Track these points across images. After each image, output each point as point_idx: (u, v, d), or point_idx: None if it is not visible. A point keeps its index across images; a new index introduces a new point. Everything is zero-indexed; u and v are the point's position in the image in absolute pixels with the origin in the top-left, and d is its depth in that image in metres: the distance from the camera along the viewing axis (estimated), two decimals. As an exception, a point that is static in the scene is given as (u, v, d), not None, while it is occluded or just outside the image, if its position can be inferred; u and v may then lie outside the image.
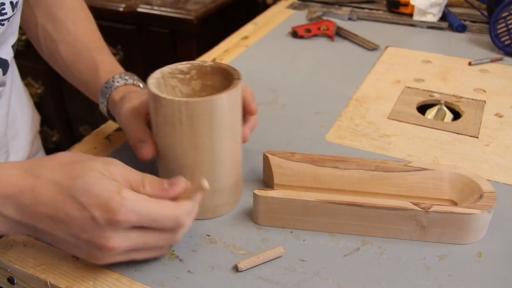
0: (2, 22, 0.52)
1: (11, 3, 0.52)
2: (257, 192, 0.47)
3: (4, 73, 0.58)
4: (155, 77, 0.47)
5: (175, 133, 0.44)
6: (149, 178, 0.42)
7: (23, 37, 1.41)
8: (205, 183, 0.40)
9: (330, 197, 0.46)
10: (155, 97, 0.43)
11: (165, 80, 0.48)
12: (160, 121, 0.44)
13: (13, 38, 0.57)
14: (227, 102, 0.43)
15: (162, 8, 1.22)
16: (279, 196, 0.46)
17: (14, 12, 0.53)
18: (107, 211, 0.38)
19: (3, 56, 0.56)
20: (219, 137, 0.45)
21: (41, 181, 0.40)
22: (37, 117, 0.77)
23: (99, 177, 0.39)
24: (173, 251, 0.46)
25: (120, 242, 0.39)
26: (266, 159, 0.53)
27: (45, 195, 0.39)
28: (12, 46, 0.57)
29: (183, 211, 0.40)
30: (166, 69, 0.48)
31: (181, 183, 0.42)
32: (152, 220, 0.39)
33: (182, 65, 0.48)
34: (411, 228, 0.46)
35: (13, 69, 0.69)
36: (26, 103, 0.72)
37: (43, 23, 0.63)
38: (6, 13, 0.52)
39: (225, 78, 0.47)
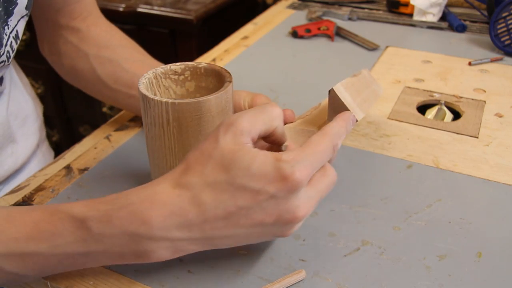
0: None
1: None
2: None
3: None
4: (147, 77, 0.46)
5: (164, 134, 0.44)
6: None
7: (23, 37, 1.41)
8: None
9: None
10: (143, 98, 0.43)
11: (158, 81, 0.48)
12: (149, 122, 0.44)
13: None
14: (215, 105, 0.43)
15: (162, 8, 1.22)
16: None
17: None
18: (283, 180, 0.35)
19: None
20: None
21: (195, 190, 0.36)
22: (39, 107, 0.79)
23: (249, 155, 0.36)
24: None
25: (307, 205, 0.38)
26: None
27: (208, 201, 0.36)
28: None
29: (332, 134, 0.40)
30: (159, 69, 0.48)
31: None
32: (319, 161, 0.38)
33: (176, 66, 0.48)
34: None
35: (11, 72, 0.70)
36: (28, 96, 0.75)
37: (95, 53, 0.62)
38: None
39: (219, 80, 0.47)
